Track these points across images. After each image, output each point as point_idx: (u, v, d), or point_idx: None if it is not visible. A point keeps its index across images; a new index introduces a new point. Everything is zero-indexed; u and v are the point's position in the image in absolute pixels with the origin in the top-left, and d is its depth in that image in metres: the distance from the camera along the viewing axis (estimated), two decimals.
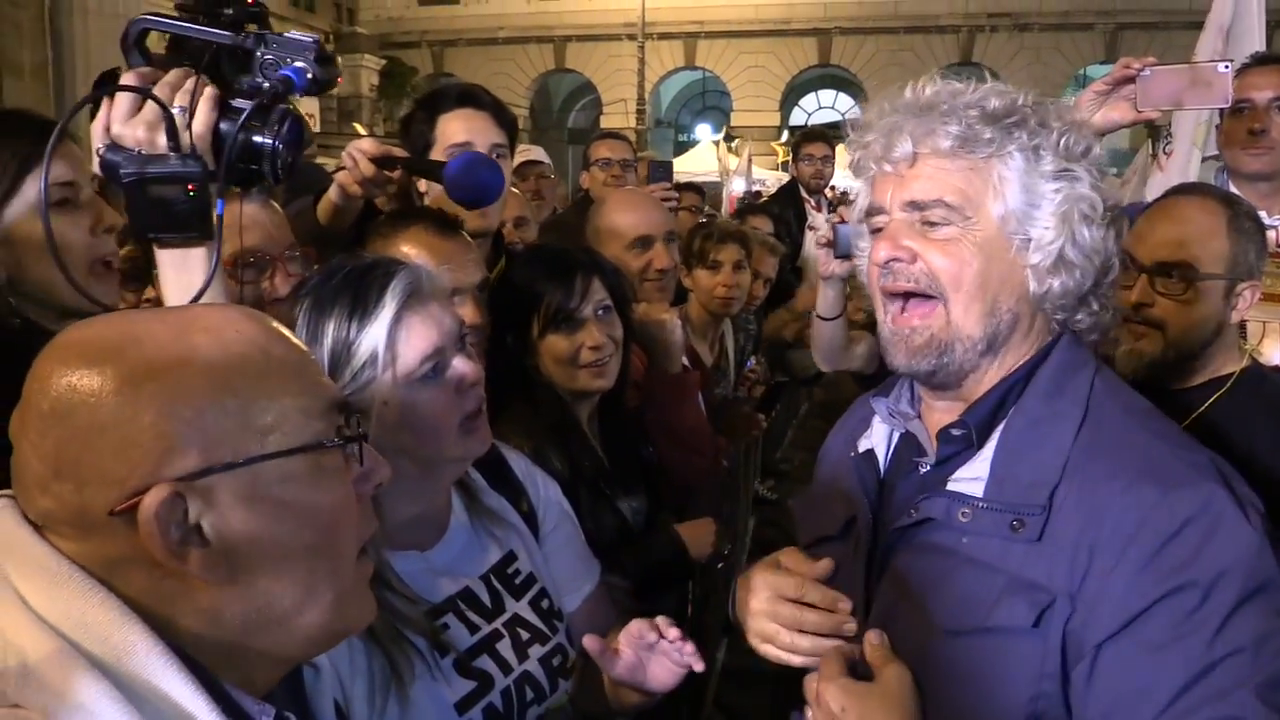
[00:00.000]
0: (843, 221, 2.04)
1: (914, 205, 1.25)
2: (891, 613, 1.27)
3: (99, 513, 0.81)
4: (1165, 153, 3.75)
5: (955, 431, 1.27)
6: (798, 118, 32.32)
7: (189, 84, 1.28)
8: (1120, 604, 1.10)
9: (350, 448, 0.93)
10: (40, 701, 0.77)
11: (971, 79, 1.30)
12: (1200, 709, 1.06)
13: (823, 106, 32.50)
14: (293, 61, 1.29)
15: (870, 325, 2.86)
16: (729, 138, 23.96)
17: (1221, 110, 2.72)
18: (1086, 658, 1.12)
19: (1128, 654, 1.09)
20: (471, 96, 2.31)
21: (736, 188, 13.82)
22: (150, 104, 1.24)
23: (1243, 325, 2.01)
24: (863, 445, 1.42)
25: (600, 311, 2.06)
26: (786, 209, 5.96)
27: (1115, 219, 1.26)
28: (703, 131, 31.64)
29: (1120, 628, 1.10)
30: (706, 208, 5.32)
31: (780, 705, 2.68)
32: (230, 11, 1.62)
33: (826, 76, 32.69)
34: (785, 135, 27.26)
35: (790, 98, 33.65)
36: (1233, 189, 2.76)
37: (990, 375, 1.28)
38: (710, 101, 35.53)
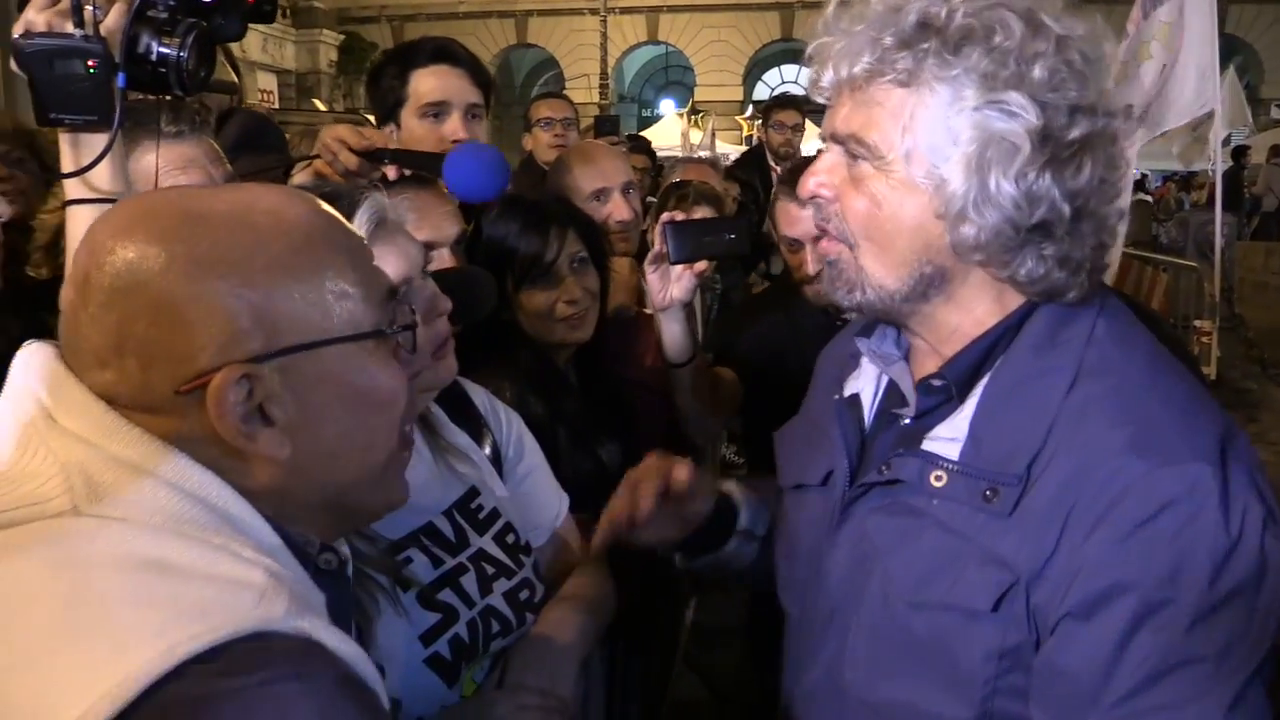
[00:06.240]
0: (673, 221, 1.92)
1: (835, 138, 1.14)
2: (854, 574, 1.19)
3: (165, 391, 0.81)
4: None
5: (935, 383, 1.16)
6: (761, 93, 32.20)
7: None
8: (1087, 580, 1.00)
9: (404, 335, 0.94)
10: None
11: None
12: (1151, 715, 0.97)
13: (786, 81, 32.35)
14: None
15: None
16: (695, 111, 23.86)
17: None
18: (1049, 631, 1.03)
19: (1084, 636, 1.00)
20: (448, 52, 2.22)
21: None
22: None
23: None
24: (849, 388, 1.31)
25: (576, 264, 2.04)
26: (753, 175, 5.94)
27: (1069, 158, 1.06)
28: (666, 106, 31.56)
29: (1082, 606, 1.00)
30: (659, 175, 5.27)
31: (750, 662, 2.66)
32: None
33: (789, 51, 32.60)
34: (749, 110, 27.18)
35: (754, 72, 33.57)
36: None
37: (958, 320, 1.16)
38: (673, 76, 35.38)
